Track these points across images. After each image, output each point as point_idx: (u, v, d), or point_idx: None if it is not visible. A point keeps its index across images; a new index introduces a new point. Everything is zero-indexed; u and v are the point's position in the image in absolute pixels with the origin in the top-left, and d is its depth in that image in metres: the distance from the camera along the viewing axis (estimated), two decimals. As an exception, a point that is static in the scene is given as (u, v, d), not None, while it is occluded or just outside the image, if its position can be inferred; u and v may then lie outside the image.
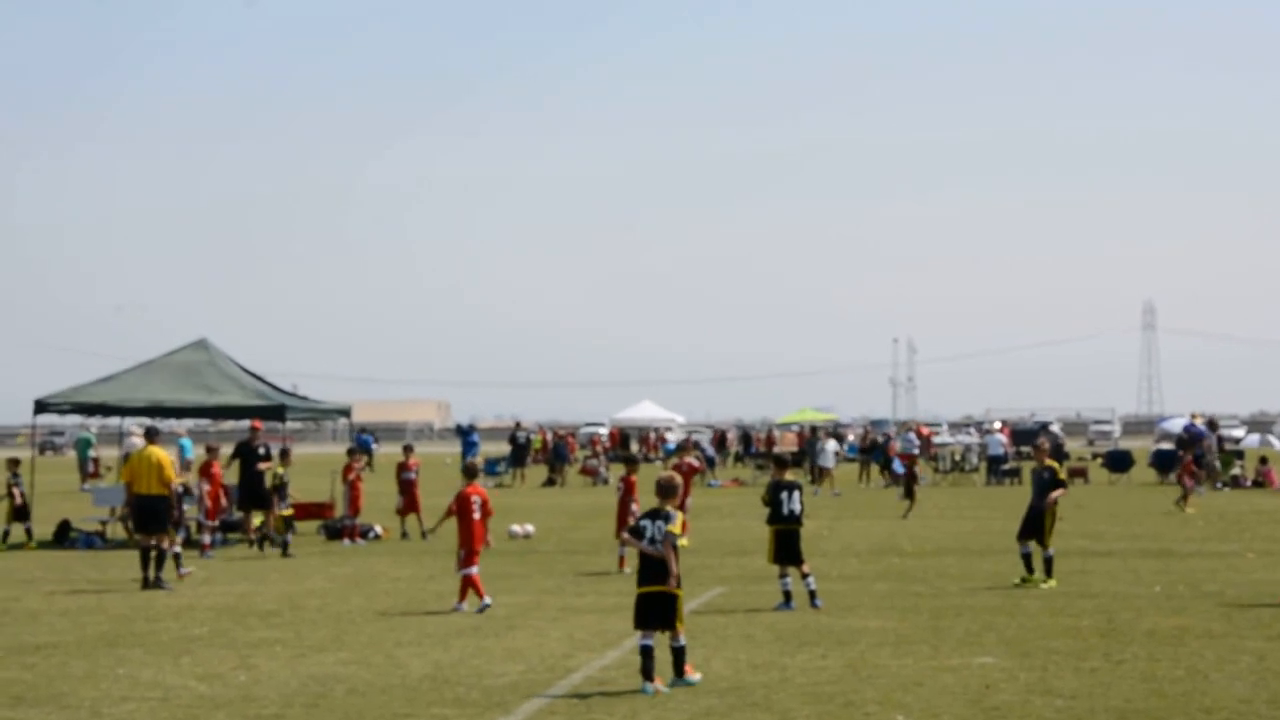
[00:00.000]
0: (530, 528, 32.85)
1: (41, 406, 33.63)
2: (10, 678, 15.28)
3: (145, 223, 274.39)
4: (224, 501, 32.67)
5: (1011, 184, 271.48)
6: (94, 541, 31.74)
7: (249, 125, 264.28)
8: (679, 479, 15.76)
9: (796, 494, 20.82)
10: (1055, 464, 23.54)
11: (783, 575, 20.61)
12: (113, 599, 22.11)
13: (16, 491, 31.56)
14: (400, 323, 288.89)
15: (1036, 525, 22.86)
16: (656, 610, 14.60)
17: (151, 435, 25.39)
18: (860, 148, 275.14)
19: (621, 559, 25.38)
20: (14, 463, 32.41)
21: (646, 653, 14.48)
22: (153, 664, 16.16)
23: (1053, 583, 22.47)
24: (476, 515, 21.02)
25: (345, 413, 38.59)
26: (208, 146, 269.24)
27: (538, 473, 64.81)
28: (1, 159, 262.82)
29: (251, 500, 31.58)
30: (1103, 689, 14.40)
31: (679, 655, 14.71)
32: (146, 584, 23.38)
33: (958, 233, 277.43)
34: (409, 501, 33.12)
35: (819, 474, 52.54)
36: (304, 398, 38.17)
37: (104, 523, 33.39)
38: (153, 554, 23.64)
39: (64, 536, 32.33)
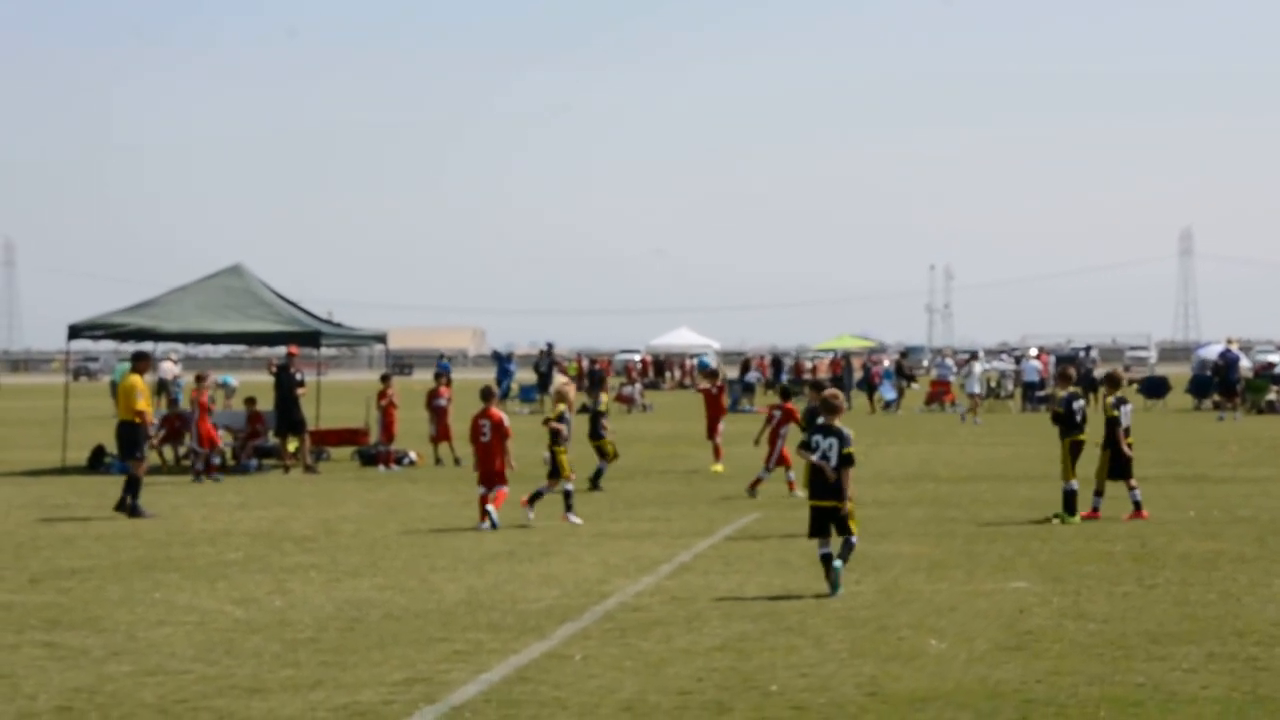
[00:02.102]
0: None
1: (75, 332, 33.69)
2: (46, 602, 15.36)
3: (188, 153, 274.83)
4: (259, 427, 32.81)
5: (1050, 113, 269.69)
6: (127, 467, 31.82)
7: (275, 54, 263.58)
8: (843, 397, 16.90)
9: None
10: (1109, 400, 22.21)
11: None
12: (147, 524, 22.21)
13: None
14: (435, 249, 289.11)
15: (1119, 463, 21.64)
16: (829, 521, 15.39)
17: (136, 360, 25.10)
18: (898, 79, 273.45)
19: (791, 482, 25.43)
20: None
21: (827, 560, 15.38)
22: (188, 588, 16.22)
23: (1075, 520, 21.30)
24: (485, 438, 21.31)
25: (381, 339, 38.62)
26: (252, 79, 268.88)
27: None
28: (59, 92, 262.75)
29: (287, 426, 31.66)
30: (1135, 613, 14.36)
31: (848, 549, 15.51)
32: (123, 506, 23.09)
33: (996, 160, 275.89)
34: (441, 429, 33.15)
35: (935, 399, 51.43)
36: (339, 324, 38.15)
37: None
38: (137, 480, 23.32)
39: (98, 462, 32.49)
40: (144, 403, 23.96)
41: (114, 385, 59.79)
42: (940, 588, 15.90)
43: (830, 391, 16.69)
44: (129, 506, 22.90)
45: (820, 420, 16.07)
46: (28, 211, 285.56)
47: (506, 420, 21.78)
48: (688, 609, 14.74)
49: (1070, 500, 21.55)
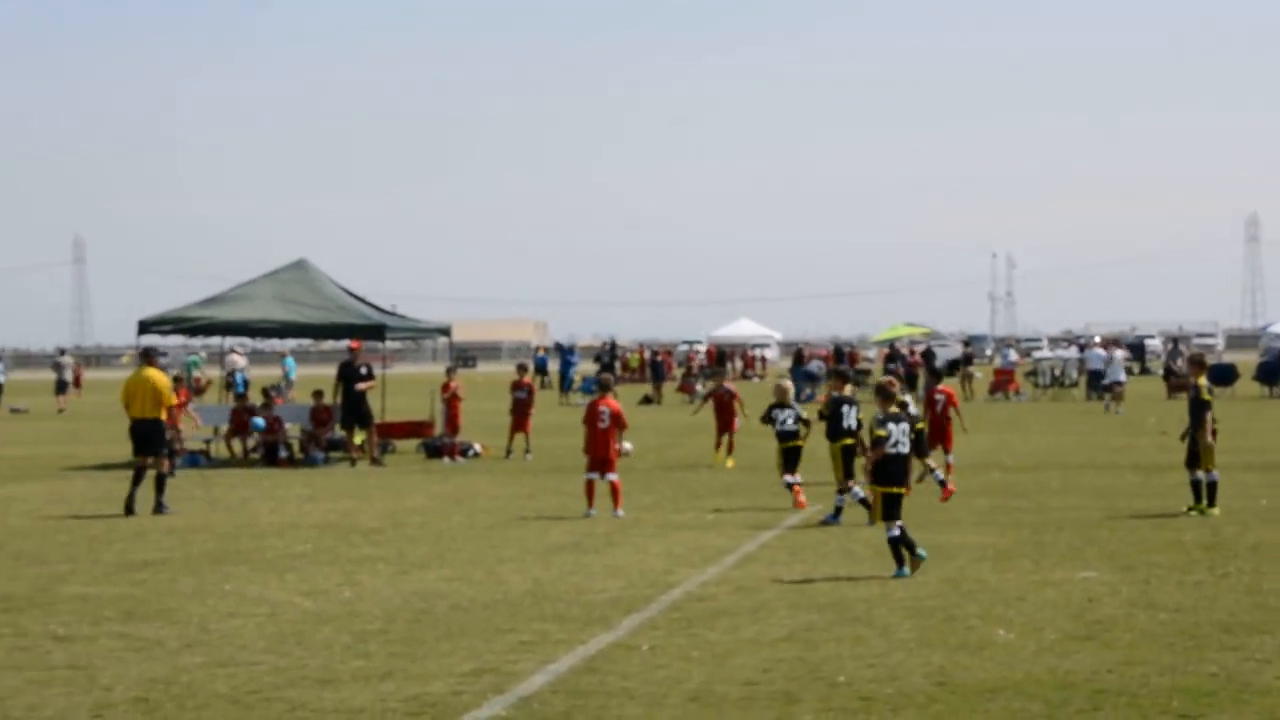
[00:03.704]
0: (628, 445, 32.86)
1: (145, 327, 34.00)
2: (120, 594, 15.53)
3: (256, 148, 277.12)
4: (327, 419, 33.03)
5: (1113, 99, 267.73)
6: (198, 460, 32.16)
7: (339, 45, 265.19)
8: (897, 382, 17.64)
9: (854, 409, 21.17)
10: (1201, 382, 21.44)
11: (840, 491, 20.77)
12: (218, 517, 22.40)
13: None
14: (498, 241, 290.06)
15: (1194, 450, 21.08)
16: (898, 506, 15.84)
17: (148, 356, 24.16)
18: (958, 68, 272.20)
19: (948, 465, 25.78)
20: None
21: (897, 542, 15.81)
22: (258, 580, 16.37)
23: (1215, 511, 20.68)
24: (604, 425, 21.78)
25: (445, 332, 38.75)
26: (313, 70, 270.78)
27: (633, 391, 64.93)
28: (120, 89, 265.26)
29: (353, 419, 31.84)
30: (1207, 602, 14.28)
31: (896, 544, 15.87)
32: (130, 508, 22.45)
33: (1058, 148, 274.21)
34: (519, 419, 33.21)
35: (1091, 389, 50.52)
36: (403, 317, 38.33)
37: (207, 441, 33.85)
38: (148, 477, 22.78)
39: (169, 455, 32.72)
40: (171, 398, 23.70)
41: (180, 380, 60.43)
42: (1008, 577, 15.86)
43: (886, 379, 17.14)
44: (157, 503, 22.65)
45: (883, 410, 16.41)
46: (97, 209, 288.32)
47: (624, 412, 22.28)
48: (754, 599, 14.76)
49: (1212, 491, 20.94)
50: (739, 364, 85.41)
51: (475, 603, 14.85)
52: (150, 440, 22.97)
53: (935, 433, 25.98)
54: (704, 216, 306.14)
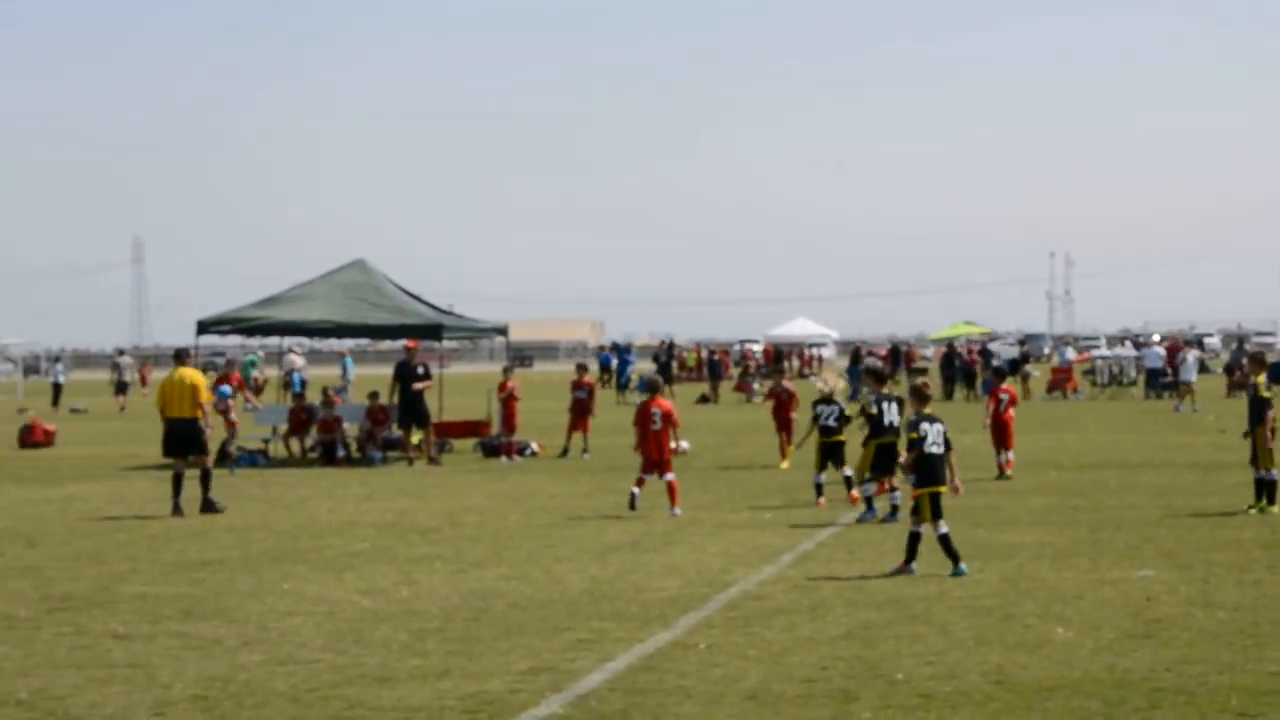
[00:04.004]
0: (685, 444, 32.83)
1: (204, 327, 34.23)
2: (179, 593, 15.64)
3: (312, 147, 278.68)
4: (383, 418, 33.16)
5: (1167, 98, 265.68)
6: (256, 459, 32.37)
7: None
8: (931, 384, 17.70)
9: (894, 406, 21.24)
10: (1260, 380, 21.22)
11: (892, 489, 20.82)
12: (277, 515, 22.52)
13: None
14: (555, 241, 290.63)
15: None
16: (936, 506, 15.93)
17: (181, 356, 23.88)
18: (1015, 66, 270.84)
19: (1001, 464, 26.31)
20: None
21: (948, 540, 15.94)
22: (317, 579, 16.45)
23: (1275, 509, 20.48)
24: (656, 426, 21.81)
25: (502, 331, 38.84)
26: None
27: (690, 389, 64.92)
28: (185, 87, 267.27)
29: (410, 418, 31.97)
30: (1266, 601, 14.16)
31: (947, 541, 15.94)
32: (177, 509, 22.46)
33: (1117, 146, 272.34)
34: (577, 418, 33.28)
35: (1176, 388, 49.73)
36: (460, 316, 38.44)
37: (266, 441, 34.06)
38: (190, 476, 22.79)
39: (224, 455, 32.94)
40: (208, 396, 23.51)
41: (250, 378, 60.91)
42: (1065, 576, 15.78)
43: (921, 380, 17.29)
44: (205, 501, 22.68)
45: (916, 410, 16.61)
46: (156, 209, 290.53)
47: (675, 411, 22.31)
48: (811, 597, 14.74)
49: (1272, 489, 20.69)
50: (796, 363, 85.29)
51: (533, 601, 14.88)
52: (189, 440, 22.90)
53: (997, 430, 26.24)
54: (761, 214, 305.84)
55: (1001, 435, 26.44)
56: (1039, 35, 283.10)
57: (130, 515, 22.56)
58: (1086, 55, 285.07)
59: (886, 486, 20.97)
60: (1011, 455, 26.45)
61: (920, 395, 16.85)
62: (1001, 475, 26.00)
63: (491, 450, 33.23)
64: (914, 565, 16.01)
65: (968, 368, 58.67)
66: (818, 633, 13.06)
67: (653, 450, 21.86)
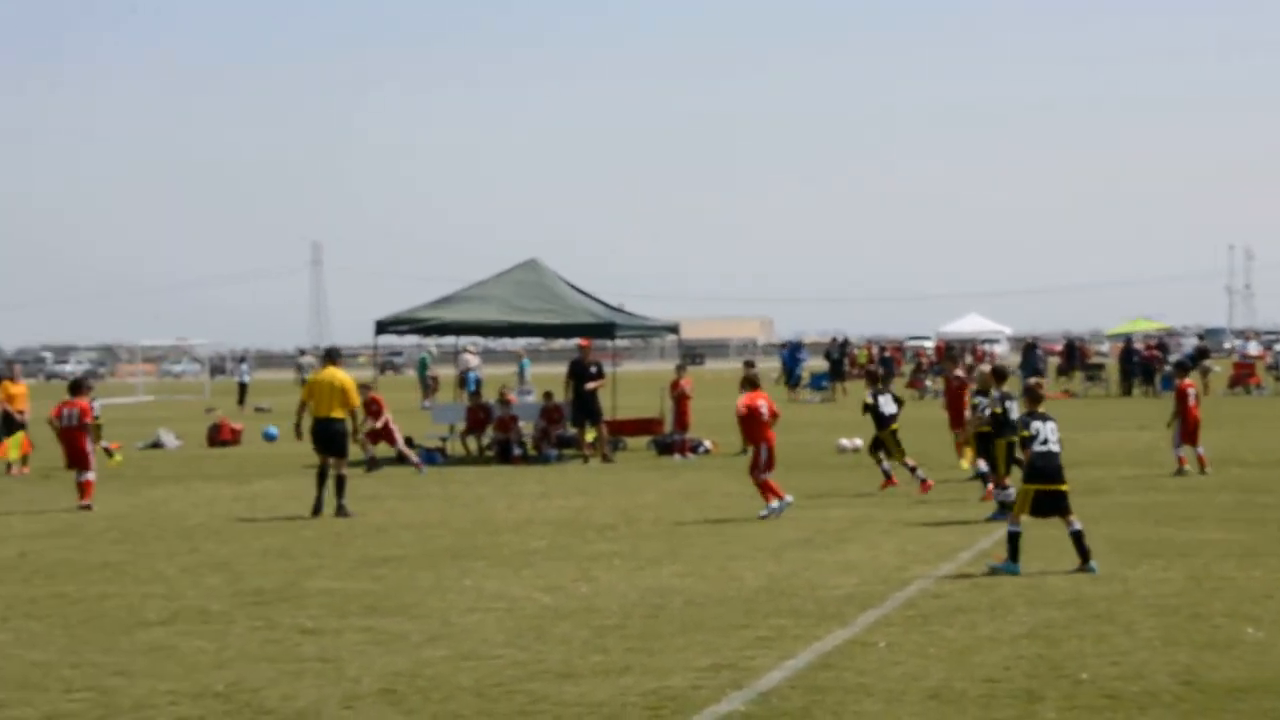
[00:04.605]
0: (859, 441, 32.73)
1: (382, 327, 34.81)
2: (362, 589, 15.91)
3: (484, 150, 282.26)
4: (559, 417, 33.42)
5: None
6: (434, 457, 32.80)
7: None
8: (1045, 385, 17.67)
9: (1013, 404, 21.06)
10: None
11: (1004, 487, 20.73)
12: (456, 513, 22.81)
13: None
14: (724, 239, 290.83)
15: None
16: (1050, 504, 15.95)
17: (332, 357, 23.82)
18: (1191, 55, 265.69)
19: (1181, 458, 26.22)
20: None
21: (1017, 538, 15.83)
22: (496, 576, 16.63)
23: None
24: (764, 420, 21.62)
25: (673, 329, 38.96)
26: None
27: (862, 387, 64.54)
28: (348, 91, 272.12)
29: (584, 416, 32.19)
30: None
31: (1079, 538, 15.86)
32: (318, 509, 22.41)
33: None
34: None
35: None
36: (632, 315, 38.61)
37: (444, 439, 34.52)
38: (332, 477, 22.63)
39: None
40: (356, 398, 23.23)
41: (426, 376, 61.79)
42: (1254, 575, 15.46)
43: (1034, 380, 17.32)
44: (339, 506, 22.50)
45: (1029, 409, 16.59)
46: (333, 213, 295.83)
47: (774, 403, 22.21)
48: (991, 596, 14.60)
49: None
50: (968, 359, 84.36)
51: (710, 598, 14.92)
52: (333, 441, 22.72)
53: (1185, 426, 26.22)
54: (932, 210, 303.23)
55: (1190, 431, 26.11)
56: (1208, 30, 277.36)
57: (306, 511, 22.92)
58: (1258, 43, 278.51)
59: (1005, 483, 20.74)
60: (1202, 450, 26.17)
61: (1033, 395, 16.86)
62: (1180, 471, 25.61)
63: (665, 448, 33.36)
64: (1017, 565, 15.81)
65: (1146, 363, 57.63)
66: (999, 631, 12.95)
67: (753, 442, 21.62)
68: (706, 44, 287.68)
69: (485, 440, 33.71)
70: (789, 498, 21.27)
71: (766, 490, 21.33)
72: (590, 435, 32.32)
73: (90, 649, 13.03)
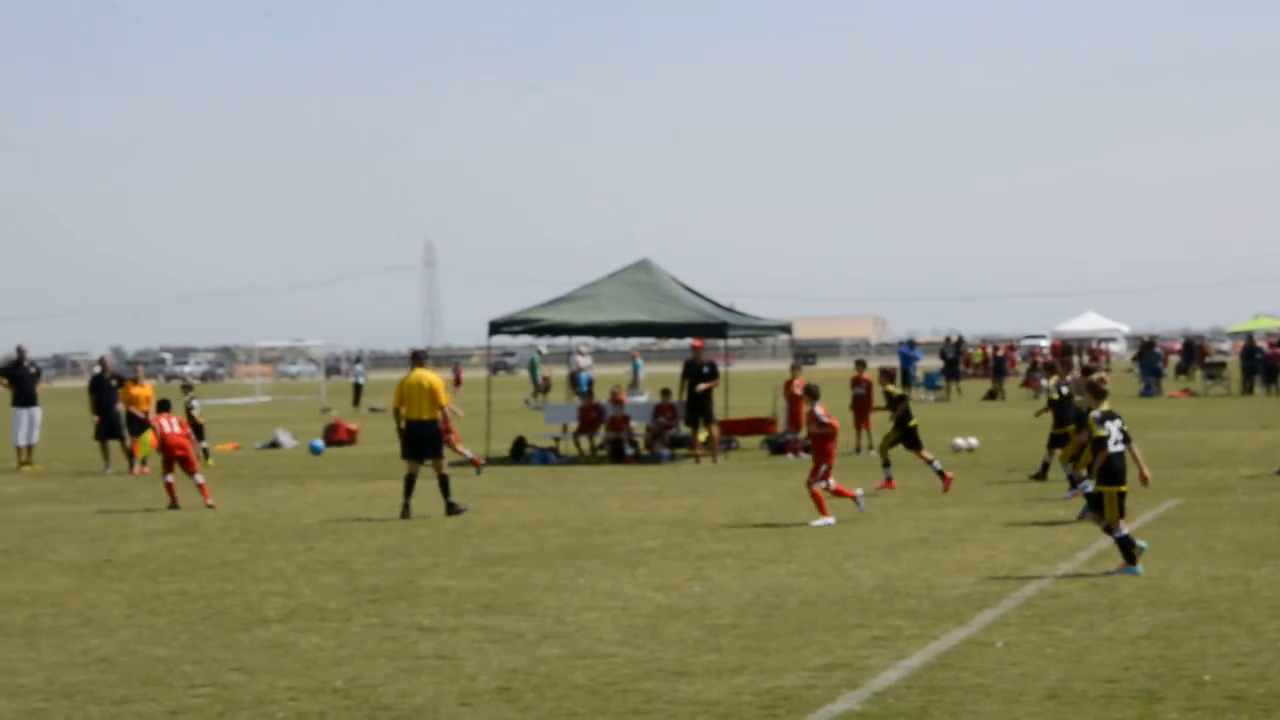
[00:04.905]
0: (974, 441, 32.52)
1: (495, 328, 35.01)
2: (479, 587, 16.01)
3: (596, 151, 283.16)
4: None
5: None
6: (548, 457, 32.94)
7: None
8: (1109, 380, 17.08)
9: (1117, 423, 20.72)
10: None
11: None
12: (569, 512, 22.88)
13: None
14: (835, 238, 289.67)
15: None
16: (1121, 505, 15.74)
17: (420, 358, 23.67)
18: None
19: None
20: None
21: (1127, 542, 15.66)
22: (610, 575, 16.66)
23: None
24: (825, 432, 21.05)
25: (785, 329, 38.86)
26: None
27: (976, 387, 64.04)
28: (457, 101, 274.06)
29: (698, 416, 32.20)
30: None
31: (1128, 542, 15.74)
32: (407, 513, 22.38)
33: None
34: (859, 416, 33.19)
35: None
36: (744, 314, 38.56)
37: (557, 439, 34.65)
38: (421, 479, 22.65)
39: (519, 453, 33.68)
40: (447, 398, 23.31)
41: (537, 376, 62.14)
42: (1382, 576, 15.16)
43: (1097, 376, 17.00)
44: (448, 505, 22.59)
45: (1100, 409, 16.19)
46: (446, 214, 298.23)
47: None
48: (1109, 596, 14.43)
49: None
50: (1085, 358, 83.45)
51: (824, 598, 14.86)
52: (429, 443, 22.76)
53: None
54: (1046, 209, 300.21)
55: None
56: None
57: (427, 511, 23.11)
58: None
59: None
60: None
61: (1098, 391, 16.40)
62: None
63: (777, 447, 33.29)
64: (1138, 565, 15.64)
65: (1269, 362, 56.69)
66: (1118, 632, 12.79)
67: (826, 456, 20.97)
68: (810, 44, 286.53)
69: (598, 440, 33.80)
70: (832, 518, 20.75)
71: (825, 499, 20.80)
72: (703, 435, 32.32)
73: (211, 645, 13.22)
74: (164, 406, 26.06)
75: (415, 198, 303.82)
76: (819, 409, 21.29)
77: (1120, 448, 15.86)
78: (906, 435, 25.38)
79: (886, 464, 25.29)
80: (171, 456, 24.42)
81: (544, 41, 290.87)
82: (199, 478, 24.59)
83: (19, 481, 30.70)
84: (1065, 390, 23.86)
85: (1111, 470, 15.83)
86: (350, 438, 40.30)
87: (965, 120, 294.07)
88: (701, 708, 10.70)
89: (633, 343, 61.44)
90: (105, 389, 33.12)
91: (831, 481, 20.97)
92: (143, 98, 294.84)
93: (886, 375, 27.08)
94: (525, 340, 47.31)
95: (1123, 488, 15.81)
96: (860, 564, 16.95)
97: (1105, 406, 16.14)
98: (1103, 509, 15.75)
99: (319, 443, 36.17)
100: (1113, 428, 15.90)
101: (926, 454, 25.39)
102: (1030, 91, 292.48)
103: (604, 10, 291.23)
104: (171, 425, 24.83)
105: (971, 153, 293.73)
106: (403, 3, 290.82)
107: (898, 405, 25.67)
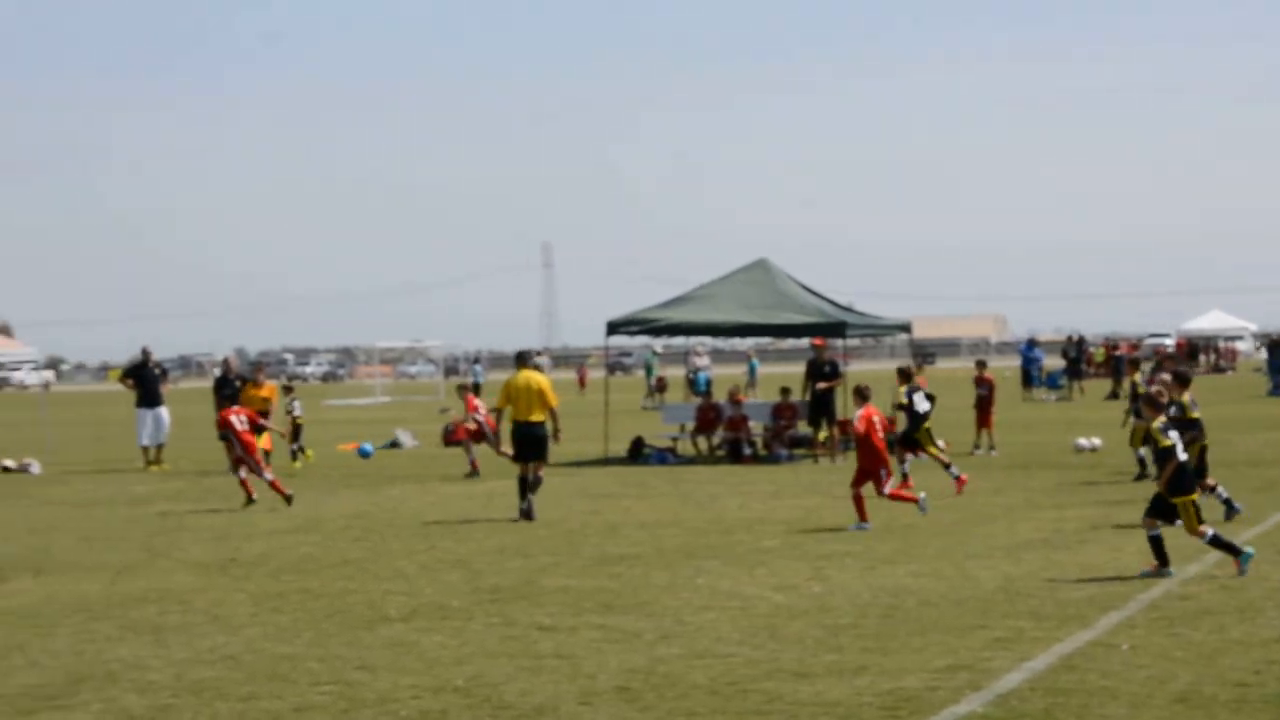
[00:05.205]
0: (1097, 441, 32.11)
1: (613, 328, 35.05)
2: (598, 586, 16.03)
3: (713, 152, 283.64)
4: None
5: None
6: (665, 457, 32.95)
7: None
8: (1166, 394, 17.30)
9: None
10: None
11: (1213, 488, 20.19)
12: (688, 512, 22.86)
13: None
14: (952, 241, 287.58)
15: None
16: (1172, 511, 15.69)
17: (525, 359, 23.21)
18: None
19: None
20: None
21: (1218, 538, 15.69)
22: (729, 574, 16.63)
23: None
24: (879, 434, 20.69)
25: (905, 328, 38.61)
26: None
27: (1098, 387, 63.26)
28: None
29: (819, 415, 32.11)
30: None
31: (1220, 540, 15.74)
32: (524, 514, 22.05)
33: None
34: (981, 415, 32.99)
35: None
36: (862, 314, 38.34)
37: (674, 439, 34.65)
38: (531, 482, 22.32)
39: (637, 453, 33.71)
40: (555, 399, 22.75)
41: (652, 376, 62.21)
42: None
43: (1155, 389, 17.15)
44: (524, 508, 22.16)
45: (1160, 418, 16.12)
46: (564, 216, 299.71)
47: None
48: (1239, 598, 14.19)
49: None
50: (1212, 357, 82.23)
51: (945, 599, 14.73)
52: (537, 444, 22.48)
53: None
54: (1166, 204, 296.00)
55: None
56: None
57: (549, 511, 23.19)
58: None
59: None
60: None
61: (1155, 404, 16.35)
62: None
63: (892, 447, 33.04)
64: (1170, 568, 15.64)
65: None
66: (1249, 635, 12.56)
67: (874, 461, 20.54)
68: (921, 39, 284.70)
69: (715, 440, 33.76)
70: (869, 524, 20.34)
71: (862, 504, 20.39)
72: (823, 435, 32.19)
73: (334, 643, 13.34)
74: (229, 400, 26.40)
75: (534, 198, 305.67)
76: (859, 413, 20.95)
77: (1185, 456, 15.77)
78: (905, 437, 26.07)
79: (948, 465, 25.44)
80: (242, 455, 24.85)
81: (651, 50, 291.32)
82: (269, 475, 24.89)
83: (147, 481, 31.20)
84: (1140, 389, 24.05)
85: (1183, 480, 15.70)
86: (469, 437, 40.45)
87: (1086, 113, 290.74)
88: (822, 708, 10.64)
89: (749, 342, 61.33)
90: (229, 389, 33.57)
91: (888, 487, 20.70)
92: (271, 108, 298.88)
93: (903, 375, 27.27)
94: (641, 340, 47.35)
95: (1194, 496, 15.70)
96: (981, 564, 16.79)
97: (1163, 418, 16.12)
98: (1182, 520, 15.58)
99: (368, 446, 36.41)
100: (1175, 436, 15.83)
101: (922, 456, 26.25)
102: (1160, 83, 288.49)
103: (703, 19, 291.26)
104: (241, 422, 25.17)
105: (1081, 148, 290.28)
106: (517, 12, 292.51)
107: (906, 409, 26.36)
